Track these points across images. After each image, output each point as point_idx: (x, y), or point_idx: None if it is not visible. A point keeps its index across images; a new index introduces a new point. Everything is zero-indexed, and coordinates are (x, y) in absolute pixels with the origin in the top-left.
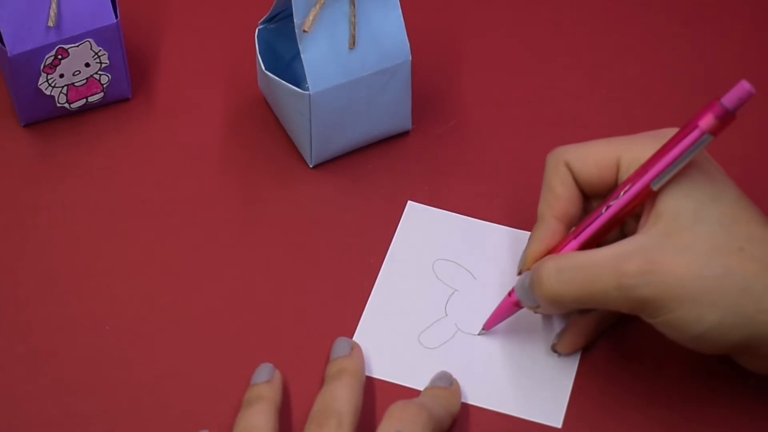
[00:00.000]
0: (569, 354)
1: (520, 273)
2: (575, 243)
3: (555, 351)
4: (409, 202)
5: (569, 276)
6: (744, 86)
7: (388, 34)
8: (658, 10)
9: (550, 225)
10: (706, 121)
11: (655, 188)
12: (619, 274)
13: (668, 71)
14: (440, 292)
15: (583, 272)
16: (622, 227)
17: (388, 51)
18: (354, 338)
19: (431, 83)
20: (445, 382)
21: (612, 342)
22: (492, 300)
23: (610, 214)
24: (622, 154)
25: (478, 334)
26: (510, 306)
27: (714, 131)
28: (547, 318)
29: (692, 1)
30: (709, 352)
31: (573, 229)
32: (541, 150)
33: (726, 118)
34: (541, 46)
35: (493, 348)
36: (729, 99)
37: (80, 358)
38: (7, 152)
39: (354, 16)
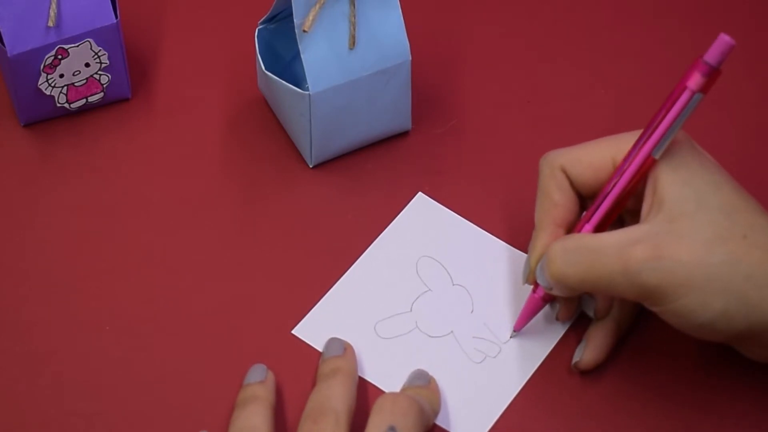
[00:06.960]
0: (591, 370)
1: (526, 283)
2: (589, 227)
3: (577, 368)
4: (419, 193)
5: (575, 257)
6: (724, 39)
7: (388, 34)
8: (658, 10)
9: (551, 232)
10: (694, 80)
11: (656, 156)
12: (625, 259)
13: (668, 71)
14: (414, 288)
15: (589, 255)
16: (621, 221)
17: (388, 51)
18: (309, 314)
19: (431, 83)
20: (423, 381)
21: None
22: (462, 308)
23: (618, 192)
24: (617, 152)
25: (510, 337)
26: (536, 302)
27: (703, 89)
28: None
29: (692, 1)
30: (714, 340)
31: (584, 214)
32: (541, 150)
33: (712, 74)
34: (540, 46)
35: (442, 355)
36: (711, 55)
37: (80, 358)
38: (7, 152)
39: (354, 16)
